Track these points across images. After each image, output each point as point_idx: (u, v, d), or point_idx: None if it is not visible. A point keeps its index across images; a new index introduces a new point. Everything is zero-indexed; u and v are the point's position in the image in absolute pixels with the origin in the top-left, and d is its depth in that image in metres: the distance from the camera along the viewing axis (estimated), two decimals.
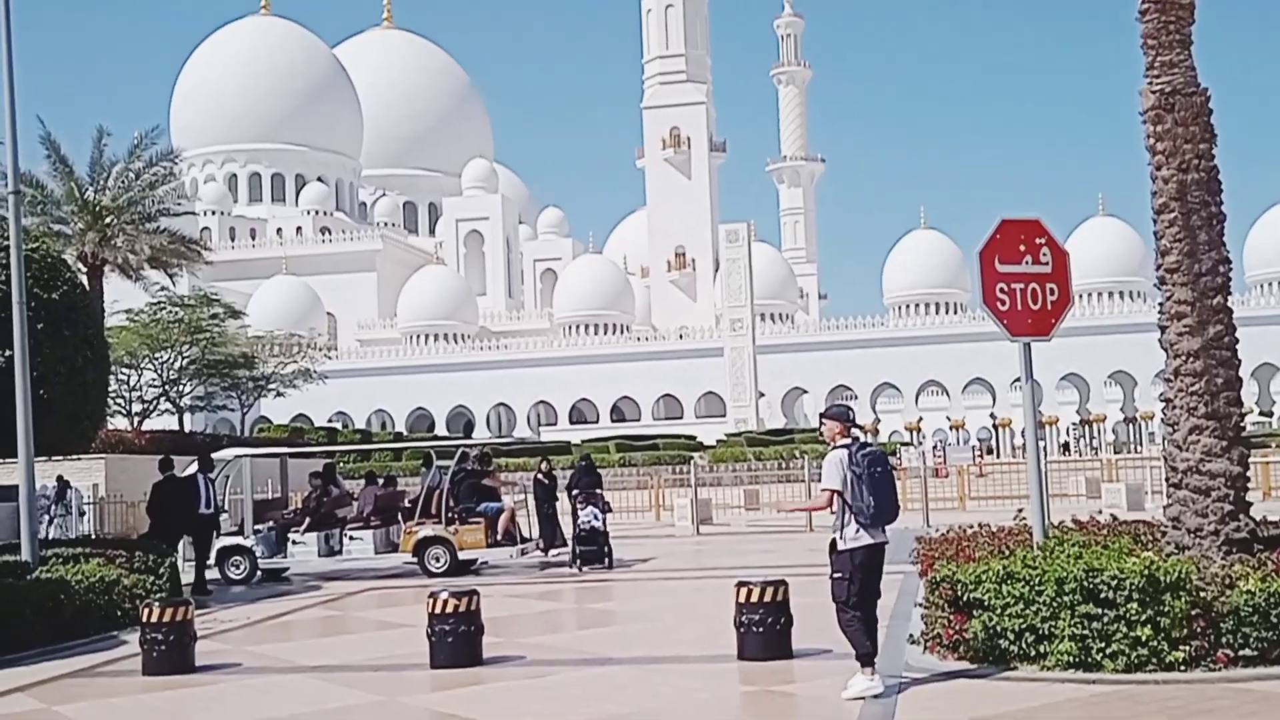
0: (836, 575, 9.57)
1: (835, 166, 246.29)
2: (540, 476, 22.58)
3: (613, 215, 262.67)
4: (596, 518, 19.94)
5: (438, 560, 20.55)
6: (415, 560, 20.70)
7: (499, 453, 58.81)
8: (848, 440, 9.63)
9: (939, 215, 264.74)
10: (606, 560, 19.86)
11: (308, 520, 21.50)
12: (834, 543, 9.61)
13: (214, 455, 21.90)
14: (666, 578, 19.28)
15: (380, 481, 23.06)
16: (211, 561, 20.34)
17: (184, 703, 10.53)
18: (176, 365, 56.47)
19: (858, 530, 9.54)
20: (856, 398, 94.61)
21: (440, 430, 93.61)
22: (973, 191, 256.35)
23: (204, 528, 19.88)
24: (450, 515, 20.85)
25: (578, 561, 19.64)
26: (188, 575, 19.73)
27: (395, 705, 9.99)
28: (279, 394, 66.48)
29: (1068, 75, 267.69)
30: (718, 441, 66.40)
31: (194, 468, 20.62)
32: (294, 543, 21.27)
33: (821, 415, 9.88)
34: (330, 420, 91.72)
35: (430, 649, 11.25)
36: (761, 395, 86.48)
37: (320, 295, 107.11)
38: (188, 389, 58.39)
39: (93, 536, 21.50)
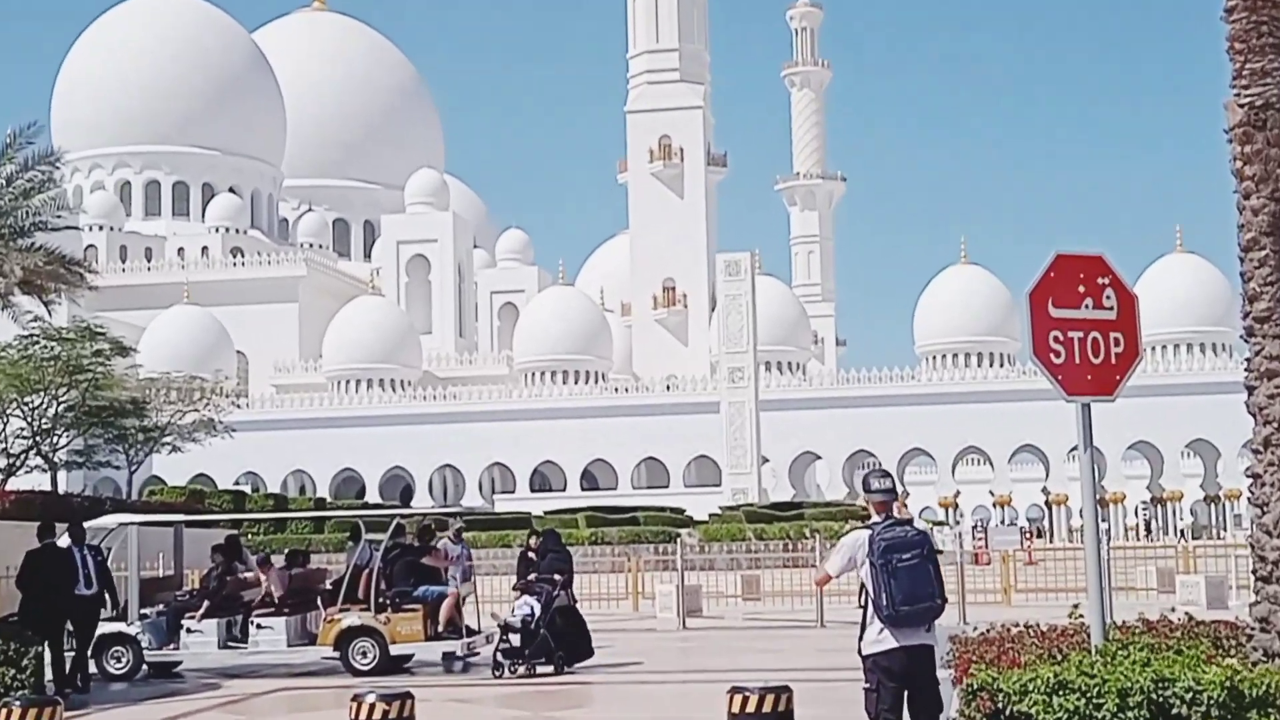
0: (865, 686, 9.60)
1: (858, 186, 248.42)
2: (529, 553, 22.34)
3: (588, 240, 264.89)
4: (532, 611, 19.81)
5: (365, 655, 20.44)
6: (337, 655, 20.60)
7: (442, 526, 58.56)
8: (881, 518, 9.66)
9: (983, 248, 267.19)
10: (557, 661, 19.60)
11: (206, 604, 21.39)
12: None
13: (92, 523, 21.78)
14: (645, 681, 19.21)
15: (289, 561, 22.91)
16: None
17: None
18: (50, 412, 56.27)
19: (881, 630, 9.53)
20: (880, 463, 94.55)
21: (372, 497, 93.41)
22: (1023, 220, 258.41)
23: (83, 612, 19.72)
24: (381, 600, 20.76)
25: (497, 659, 19.44)
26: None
27: None
28: (175, 449, 66.18)
29: (1142, 83, 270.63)
30: (711, 516, 66.41)
31: (65, 539, 20.52)
32: (189, 631, 21.15)
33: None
34: (238, 482, 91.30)
35: None
36: (765, 461, 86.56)
37: (229, 330, 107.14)
38: (63, 441, 58.11)
39: None
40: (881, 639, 9.54)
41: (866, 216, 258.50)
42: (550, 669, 19.79)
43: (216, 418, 67.48)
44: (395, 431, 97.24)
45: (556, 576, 20.57)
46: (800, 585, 34.46)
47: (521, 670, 19.40)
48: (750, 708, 10.81)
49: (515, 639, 19.67)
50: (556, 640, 19.97)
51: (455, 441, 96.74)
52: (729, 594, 36.45)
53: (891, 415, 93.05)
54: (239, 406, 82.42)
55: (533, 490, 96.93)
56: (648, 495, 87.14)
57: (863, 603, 9.62)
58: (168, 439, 65.41)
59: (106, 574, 20.20)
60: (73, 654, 19.66)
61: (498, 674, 19.42)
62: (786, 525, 57.35)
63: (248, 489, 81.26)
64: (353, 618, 20.63)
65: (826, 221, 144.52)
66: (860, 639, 9.61)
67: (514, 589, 21.01)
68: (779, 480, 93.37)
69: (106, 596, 20.16)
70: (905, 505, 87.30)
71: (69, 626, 19.81)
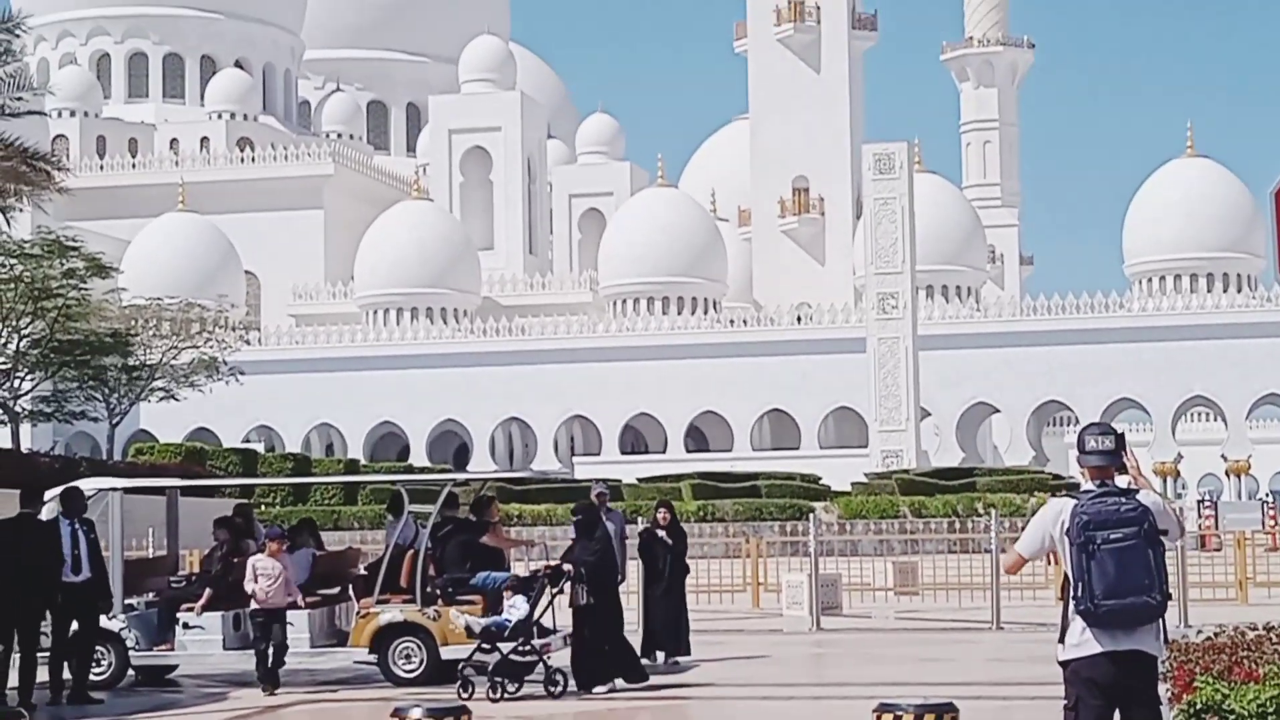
0: (1065, 705, 9.54)
1: (1050, 57, 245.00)
2: (656, 529, 22.70)
3: (695, 129, 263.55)
4: (516, 611, 19.66)
5: (409, 660, 20.60)
6: (374, 659, 20.80)
7: (508, 495, 58.95)
8: (1093, 486, 9.53)
9: (1215, 137, 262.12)
10: (556, 683, 19.35)
11: (208, 592, 21.65)
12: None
13: (55, 491, 22.08)
14: (769, 696, 19.26)
15: (292, 533, 23.06)
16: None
17: None
18: (10, 348, 57.24)
19: (1083, 631, 9.44)
20: (1077, 420, 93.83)
21: (418, 459, 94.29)
22: (1269, 101, 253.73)
23: (75, 603, 19.98)
24: (430, 590, 20.94)
25: (494, 680, 19.28)
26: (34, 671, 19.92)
27: None
28: (168, 397, 67.22)
29: None
30: (854, 486, 66.29)
31: (49, 508, 20.79)
32: (186, 626, 21.44)
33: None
34: (247, 439, 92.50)
35: None
36: (926, 415, 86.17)
37: (236, 245, 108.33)
38: (27, 385, 59.14)
39: None
40: (1083, 641, 9.45)
41: (1061, 96, 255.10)
42: (534, 691, 19.33)
43: (220, 357, 68.35)
44: (447, 375, 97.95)
45: (566, 567, 20.15)
46: (970, 575, 34.30)
47: (488, 694, 18.72)
48: None
49: (491, 652, 19.32)
50: (588, 658, 19.81)
51: (524, 389, 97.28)
52: (877, 586, 36.33)
53: (1092, 356, 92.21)
54: (248, 343, 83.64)
55: (624, 452, 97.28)
56: (772, 459, 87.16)
57: (1063, 593, 9.54)
58: (159, 383, 66.38)
59: (100, 557, 20.36)
60: (45, 657, 19.90)
61: (498, 694, 19.08)
62: (953, 498, 57.13)
63: (260, 447, 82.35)
64: (393, 612, 20.77)
65: (1009, 102, 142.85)
66: (1059, 642, 9.53)
67: (507, 587, 20.75)
68: (943, 440, 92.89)
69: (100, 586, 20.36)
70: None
71: (46, 622, 20.03)
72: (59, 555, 19.64)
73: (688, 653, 22.44)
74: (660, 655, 22.38)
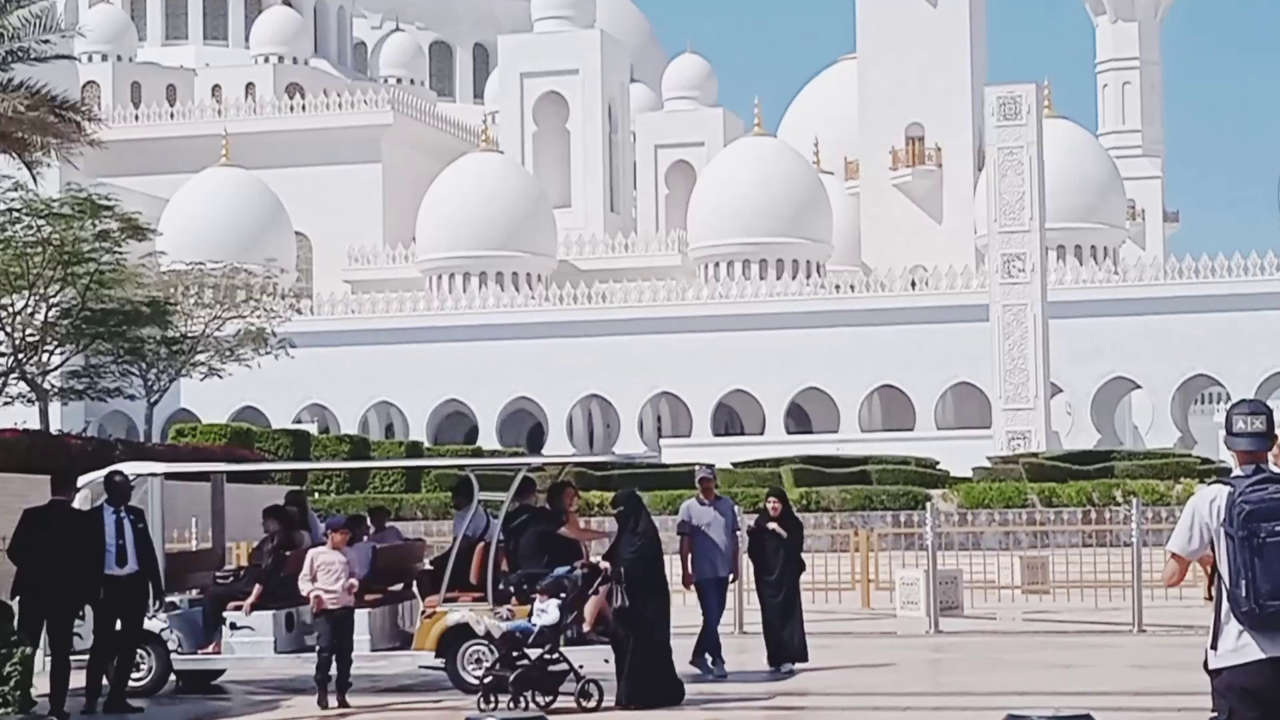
0: (1212, 715, 9.44)
1: None
2: (767, 522, 22.71)
3: (795, 71, 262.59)
4: (546, 616, 19.42)
5: (480, 665, 20.62)
6: (441, 663, 20.90)
7: (588, 481, 58.93)
8: (1247, 472, 9.41)
9: None
10: (589, 695, 19.15)
11: (258, 589, 21.78)
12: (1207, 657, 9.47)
13: (89, 476, 22.22)
14: (880, 707, 19.26)
15: (351, 525, 23.09)
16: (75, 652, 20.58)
17: None
18: (38, 319, 57.71)
19: (1240, 635, 9.34)
20: (1227, 397, 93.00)
21: (488, 441, 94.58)
22: None
23: (120, 599, 20.12)
24: (503, 587, 21.00)
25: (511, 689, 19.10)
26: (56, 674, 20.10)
27: None
28: (212, 372, 67.52)
29: None
30: (976, 471, 66.04)
31: (82, 495, 20.91)
32: (234, 627, 21.58)
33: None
34: (299, 420, 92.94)
35: None
36: (1057, 392, 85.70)
37: (285, 203, 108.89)
38: (56, 360, 59.61)
39: None
40: (1240, 647, 9.34)
41: (1209, 31, 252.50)
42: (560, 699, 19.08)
43: (268, 328, 68.60)
44: (519, 348, 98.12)
45: (604, 565, 20.13)
46: (1108, 571, 34.12)
47: (506, 707, 18.50)
48: None
49: (515, 658, 19.12)
50: (631, 669, 19.54)
51: (605, 363, 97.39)
52: (1002, 584, 36.20)
53: (1245, 324, 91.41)
54: (300, 312, 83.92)
55: (716, 433, 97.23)
56: (884, 441, 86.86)
57: (1214, 593, 9.42)
58: (201, 357, 66.73)
59: (149, 548, 20.45)
60: (82, 660, 20.04)
61: (515, 704, 18.74)
62: (1088, 485, 56.73)
63: (312, 428, 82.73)
64: (462, 611, 20.85)
65: (1150, 38, 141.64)
66: (1210, 648, 9.42)
67: (538, 589, 20.28)
68: (1077, 420, 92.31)
69: (149, 581, 20.35)
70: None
71: (83, 619, 20.18)
72: (101, 546, 19.76)
73: (804, 658, 22.43)
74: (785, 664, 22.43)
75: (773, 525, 22.80)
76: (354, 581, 20.32)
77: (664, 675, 19.76)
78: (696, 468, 24.01)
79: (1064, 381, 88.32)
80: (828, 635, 27.22)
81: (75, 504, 20.44)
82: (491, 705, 18.51)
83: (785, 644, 22.45)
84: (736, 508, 23.71)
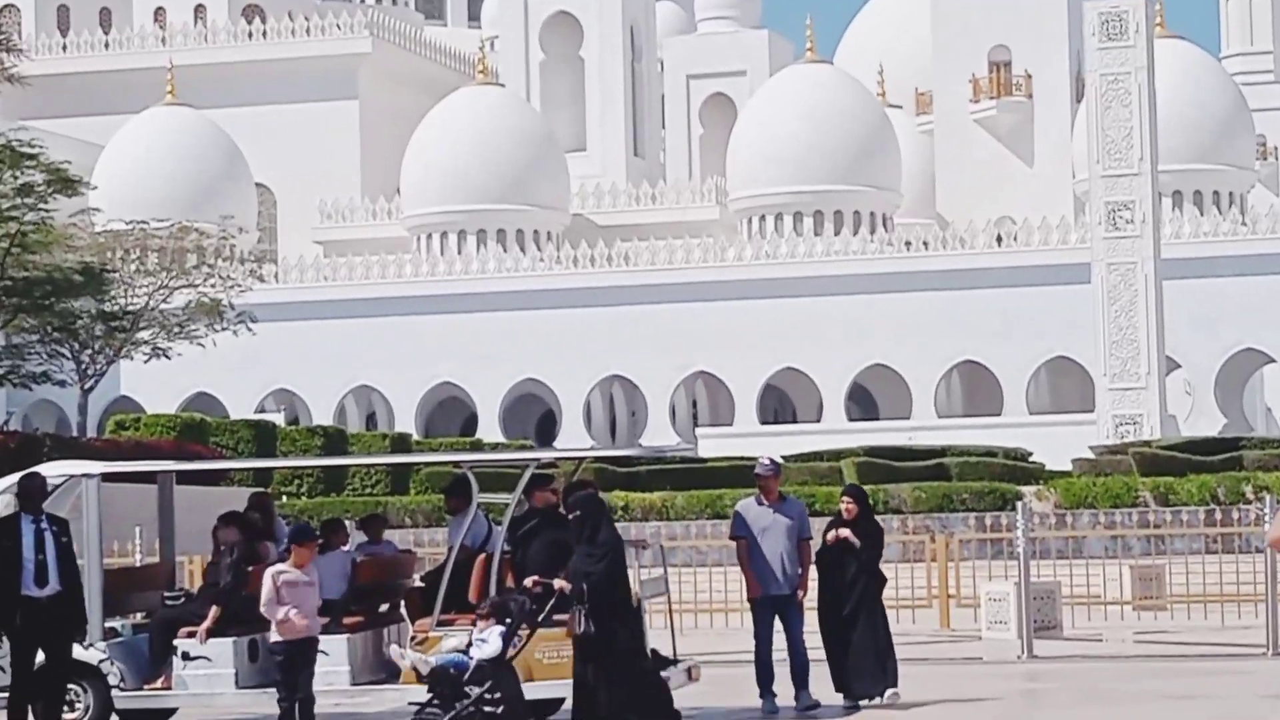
0: None
1: None
2: (841, 525, 22.46)
3: None
4: (486, 647, 19.42)
5: (483, 703, 20.74)
6: (435, 699, 20.92)
7: (611, 480, 58.80)
8: None
9: None
10: None
11: (215, 611, 21.82)
12: None
13: (9, 479, 22.26)
14: None
15: (324, 529, 23.15)
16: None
17: None
18: None
19: None
20: None
21: (489, 431, 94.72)
22: None
23: (39, 625, 20.18)
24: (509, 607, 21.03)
25: None
26: None
27: None
28: (158, 353, 67.55)
29: None
30: (1076, 463, 65.97)
31: (2, 501, 20.99)
32: (187, 656, 21.63)
33: None
34: (262, 408, 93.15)
35: None
36: (1175, 367, 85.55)
37: (244, 149, 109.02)
38: None
39: None
40: None
41: None
42: None
43: (225, 299, 68.74)
44: (526, 321, 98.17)
45: (559, 584, 20.06)
46: (1236, 582, 34.07)
47: None
48: None
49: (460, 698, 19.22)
50: (592, 705, 19.52)
51: (629, 338, 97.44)
52: (1109, 599, 36.19)
53: None
54: (262, 280, 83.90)
55: (764, 421, 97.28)
56: (965, 428, 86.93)
57: None
58: (145, 335, 66.83)
59: (74, 565, 20.50)
60: (1, 701, 20.17)
61: None
62: (1211, 479, 56.68)
63: (279, 419, 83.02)
64: (460, 637, 20.83)
65: None
66: None
67: (479, 611, 20.35)
68: (1198, 401, 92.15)
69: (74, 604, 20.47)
70: None
71: (1, 653, 20.26)
72: (17, 562, 19.80)
73: (894, 683, 22.34)
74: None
75: (844, 532, 22.50)
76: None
77: (651, 701, 19.80)
78: (759, 460, 23.39)
79: (1182, 355, 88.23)
80: (900, 662, 27.21)
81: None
82: None
83: (873, 671, 22.27)
84: (804, 508, 23.37)
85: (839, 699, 22.45)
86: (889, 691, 22.11)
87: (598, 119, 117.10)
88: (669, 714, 20.04)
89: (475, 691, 18.92)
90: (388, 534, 24.63)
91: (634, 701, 19.76)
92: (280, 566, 20.73)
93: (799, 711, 21.78)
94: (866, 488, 56.66)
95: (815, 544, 23.07)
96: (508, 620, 19.61)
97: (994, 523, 41.66)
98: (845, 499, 23.08)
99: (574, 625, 19.76)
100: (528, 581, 20.26)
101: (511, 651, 19.40)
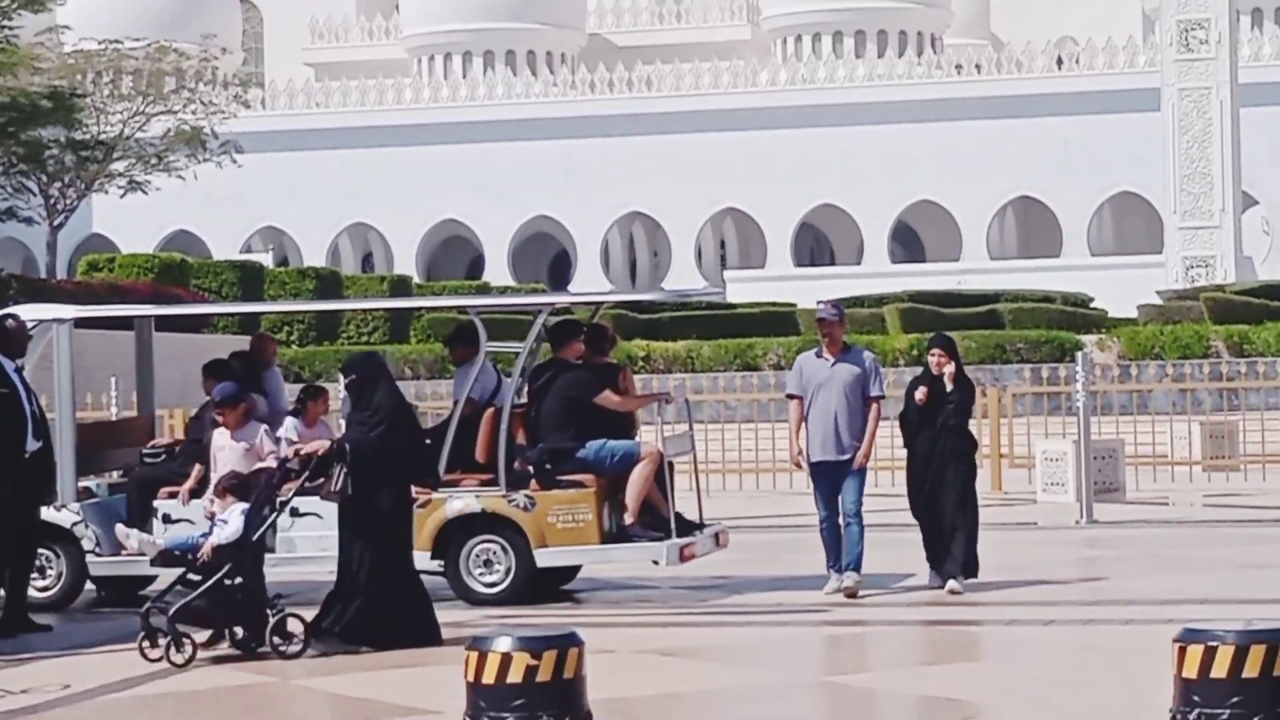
0: None
1: None
2: (930, 380, 21.23)
3: None
4: (226, 528, 18.74)
5: (489, 568, 20.97)
6: (440, 566, 21.14)
7: (631, 327, 58.87)
8: None
9: None
10: (289, 635, 18.10)
11: (199, 469, 21.89)
12: None
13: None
14: (1016, 620, 19.53)
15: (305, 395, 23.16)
16: None
17: None
18: None
19: None
20: None
21: (497, 275, 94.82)
22: None
23: (32, 483, 20.30)
24: (520, 466, 21.19)
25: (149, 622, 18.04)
26: None
27: None
28: (134, 186, 67.59)
29: None
30: (1142, 310, 66.00)
31: None
32: (168, 519, 21.72)
33: None
34: (248, 248, 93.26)
35: None
36: (1252, 204, 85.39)
37: None
38: None
39: None
40: None
41: None
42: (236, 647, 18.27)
43: (207, 126, 68.68)
44: (538, 152, 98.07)
45: (313, 451, 19.22)
46: None
47: (175, 654, 17.62)
48: (1218, 668, 10.86)
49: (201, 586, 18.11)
50: (348, 590, 18.51)
51: (651, 170, 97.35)
52: (1176, 458, 36.21)
53: None
54: (248, 106, 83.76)
55: (799, 263, 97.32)
56: (1020, 271, 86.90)
57: None
58: (119, 166, 66.87)
59: (43, 417, 20.67)
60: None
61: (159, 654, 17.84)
62: None
63: (267, 259, 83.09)
64: (466, 499, 21.04)
65: None
66: None
67: (218, 489, 19.29)
68: (1277, 241, 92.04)
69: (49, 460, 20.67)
70: None
71: None
72: (20, 413, 20.00)
73: (974, 573, 21.33)
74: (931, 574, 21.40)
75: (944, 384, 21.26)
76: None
77: (410, 603, 18.73)
78: (819, 304, 22.18)
79: (1260, 191, 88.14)
80: None
81: None
82: (155, 648, 17.65)
83: (950, 553, 21.15)
84: (875, 361, 21.83)
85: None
86: (950, 583, 21.00)
87: None
88: (426, 612, 18.79)
89: (216, 576, 17.91)
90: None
91: (381, 590, 18.52)
92: (216, 432, 21.18)
93: (828, 593, 20.95)
94: (911, 337, 57.16)
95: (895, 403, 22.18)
96: (253, 497, 18.64)
97: (1051, 375, 41.82)
98: (935, 351, 21.57)
99: (330, 484, 18.71)
100: (288, 451, 19.51)
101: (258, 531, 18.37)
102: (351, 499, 18.37)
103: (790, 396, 21.50)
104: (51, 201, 64.90)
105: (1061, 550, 25.89)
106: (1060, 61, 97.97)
